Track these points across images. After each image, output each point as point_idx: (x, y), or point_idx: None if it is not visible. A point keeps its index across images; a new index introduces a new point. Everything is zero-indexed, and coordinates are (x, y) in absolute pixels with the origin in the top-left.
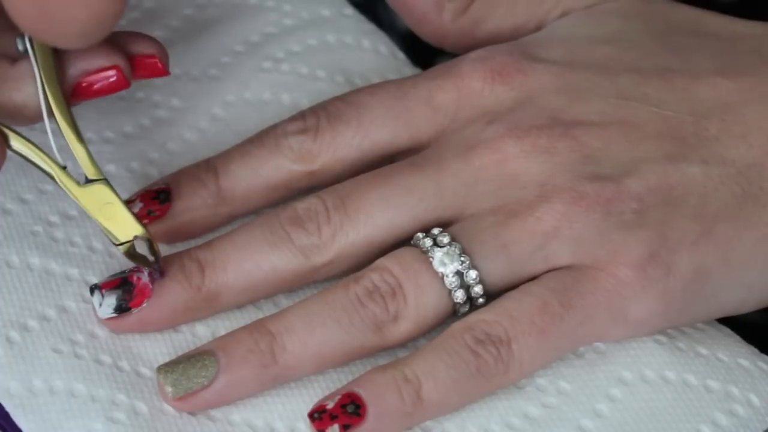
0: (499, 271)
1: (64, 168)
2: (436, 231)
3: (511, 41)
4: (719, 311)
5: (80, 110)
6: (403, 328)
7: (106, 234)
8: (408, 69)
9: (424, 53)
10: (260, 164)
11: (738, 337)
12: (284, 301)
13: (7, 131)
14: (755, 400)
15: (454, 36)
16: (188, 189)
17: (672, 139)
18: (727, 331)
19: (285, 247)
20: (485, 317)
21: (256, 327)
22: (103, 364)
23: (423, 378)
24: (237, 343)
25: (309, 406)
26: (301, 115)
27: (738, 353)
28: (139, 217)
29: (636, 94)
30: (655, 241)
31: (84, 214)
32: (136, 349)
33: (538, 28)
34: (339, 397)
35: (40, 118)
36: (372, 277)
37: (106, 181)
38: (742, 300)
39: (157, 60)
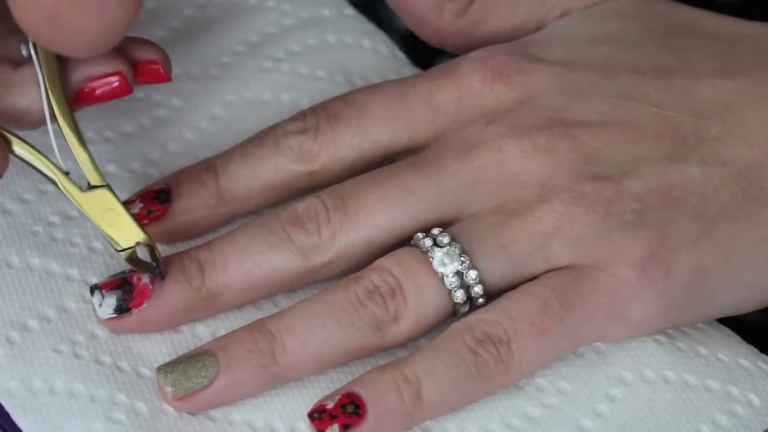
0: (499, 271)
1: (66, 174)
2: (436, 231)
3: (511, 41)
4: (719, 311)
5: (80, 110)
6: (403, 328)
7: (108, 240)
8: (408, 69)
9: (424, 53)
10: (260, 164)
11: (738, 337)
12: (284, 301)
13: (10, 136)
14: (755, 400)
15: (454, 36)
16: (188, 189)
17: (672, 139)
18: (727, 331)
19: (285, 247)
20: (485, 317)
21: (256, 327)
22: (103, 364)
23: (423, 378)
24: (237, 343)
25: (309, 406)
26: (301, 115)
27: (738, 353)
28: (141, 223)
29: (636, 94)
30: (655, 241)
31: (84, 215)
32: (136, 349)
33: (538, 28)
34: (339, 396)
35: (43, 123)
36: (372, 277)
37: (108, 187)
38: (742, 300)
39: (160, 66)
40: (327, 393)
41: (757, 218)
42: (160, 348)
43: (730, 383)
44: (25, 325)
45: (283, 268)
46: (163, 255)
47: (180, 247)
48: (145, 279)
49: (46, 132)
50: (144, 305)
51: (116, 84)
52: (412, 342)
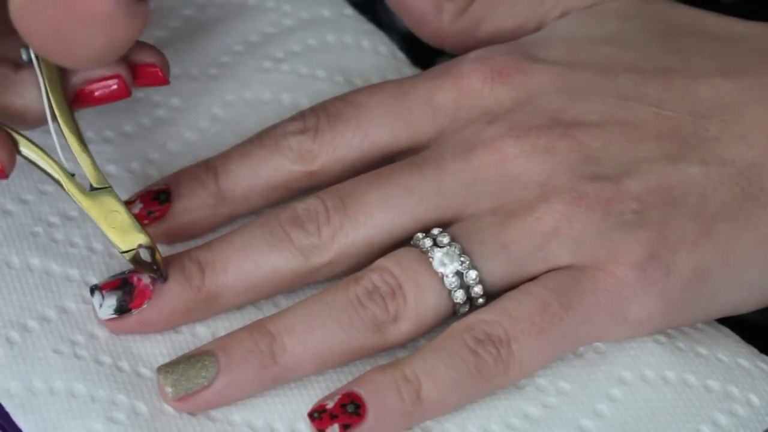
0: (498, 271)
1: (72, 176)
2: (435, 231)
3: (510, 41)
4: (719, 311)
5: (79, 111)
6: (403, 328)
7: (111, 242)
8: (408, 69)
9: (424, 53)
10: (260, 164)
11: (738, 337)
12: (284, 302)
13: (17, 136)
14: (755, 400)
15: (453, 37)
16: (188, 189)
17: (672, 140)
18: (727, 331)
19: (285, 248)
20: (485, 317)
21: (256, 327)
22: (103, 364)
23: (423, 378)
24: (237, 344)
25: (309, 406)
26: (301, 115)
27: (738, 353)
28: (143, 225)
29: (636, 95)
30: (655, 241)
31: (84, 216)
32: (136, 349)
33: (537, 29)
34: (339, 396)
35: (42, 124)
36: (372, 277)
37: (111, 189)
38: (741, 300)
39: (158, 69)
40: (327, 393)
41: (757, 218)
42: (160, 348)
43: (730, 383)
44: (25, 325)
45: (282, 268)
46: (163, 255)
47: (180, 248)
48: (146, 280)
49: (48, 134)
50: (144, 306)
51: (115, 87)
52: (412, 342)
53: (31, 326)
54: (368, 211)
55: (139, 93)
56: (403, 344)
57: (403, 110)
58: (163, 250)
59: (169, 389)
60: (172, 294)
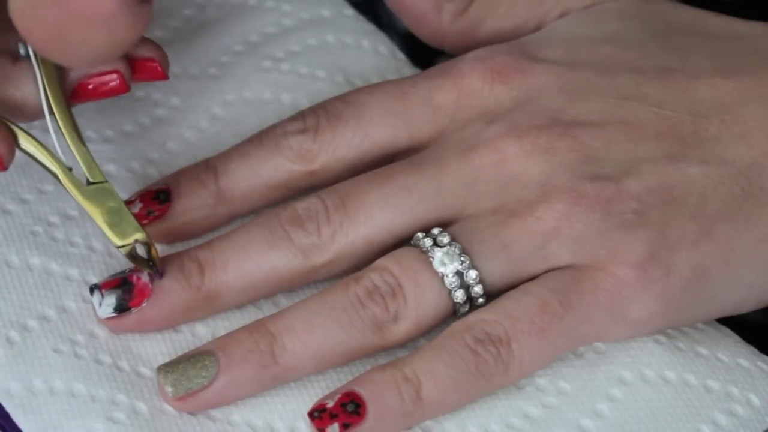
0: (499, 270)
1: (69, 170)
2: (436, 231)
3: (510, 41)
4: (719, 311)
5: (79, 109)
6: (403, 328)
7: (108, 236)
8: (408, 69)
9: (424, 53)
10: (260, 164)
11: (738, 337)
12: (284, 301)
13: (16, 130)
14: (755, 400)
15: (453, 37)
16: (188, 189)
17: (672, 139)
18: (727, 331)
19: (285, 247)
20: (485, 317)
21: (256, 327)
22: (103, 364)
23: (423, 377)
24: (237, 343)
25: (309, 406)
26: (301, 115)
27: (738, 353)
28: (142, 225)
29: (636, 94)
30: (655, 240)
31: (84, 215)
32: (136, 349)
33: (537, 29)
34: (339, 396)
35: (39, 117)
36: (372, 277)
37: (108, 183)
38: (741, 300)
39: (158, 64)
40: (327, 392)
41: (757, 218)
42: (160, 348)
43: (730, 383)
44: (25, 325)
45: (282, 267)
46: (162, 255)
47: (180, 247)
48: (145, 278)
49: (45, 130)
50: (144, 304)
51: (114, 82)
52: (412, 342)
53: (31, 326)
54: (368, 210)
55: (139, 92)
56: (403, 344)
57: (403, 110)
58: (163, 250)
59: (169, 389)
60: (172, 293)
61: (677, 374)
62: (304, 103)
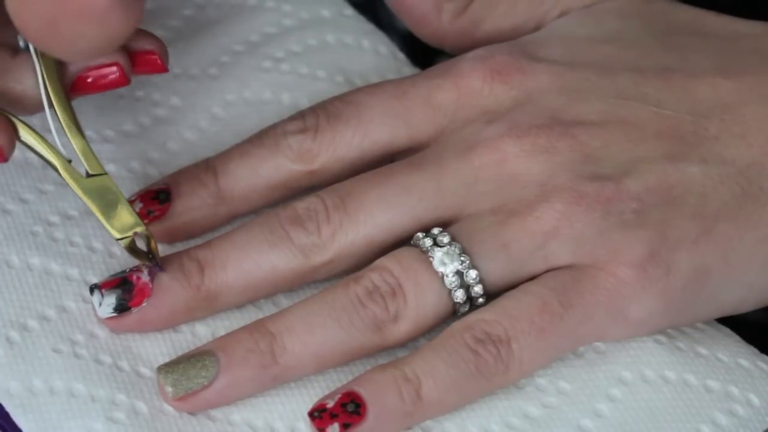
0: (498, 270)
1: (69, 162)
2: (435, 231)
3: (510, 41)
4: (719, 311)
5: (80, 108)
6: (403, 328)
7: (107, 228)
8: (408, 69)
9: (424, 53)
10: (260, 164)
11: (738, 337)
12: (284, 301)
13: (16, 122)
14: (755, 400)
15: (453, 37)
16: (188, 189)
17: (671, 139)
18: (727, 331)
19: (285, 247)
20: (485, 317)
21: (256, 327)
22: (103, 364)
23: (423, 377)
24: (237, 343)
25: (309, 406)
26: (301, 115)
27: (738, 353)
28: (139, 213)
29: (635, 94)
30: (655, 240)
31: (84, 214)
32: (136, 349)
33: (537, 28)
34: (339, 396)
35: (38, 110)
36: (372, 277)
37: (107, 176)
38: (741, 299)
39: (157, 57)
40: (327, 392)
41: (757, 218)
42: (160, 348)
43: (730, 383)
44: (25, 325)
45: (282, 267)
46: (163, 255)
47: (180, 247)
48: (145, 278)
49: (45, 121)
50: (144, 304)
51: (114, 75)
52: (412, 342)
53: (31, 326)
54: (368, 210)
55: (139, 92)
56: (403, 344)
57: (403, 110)
58: (163, 250)
59: (169, 389)
60: (172, 292)
61: (677, 374)
62: (304, 103)
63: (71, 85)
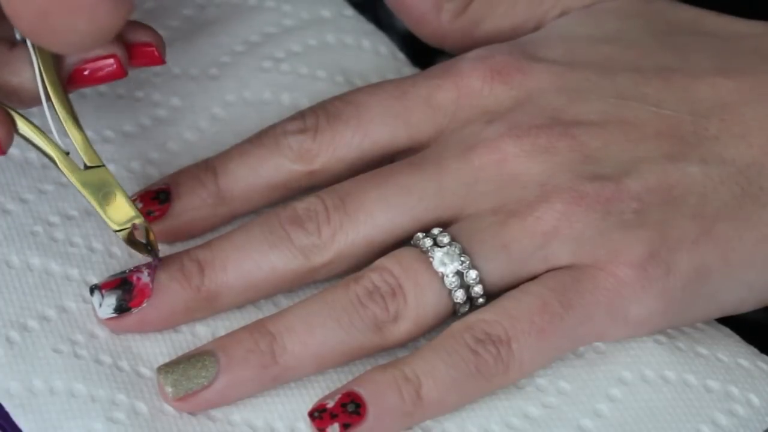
0: (499, 270)
1: (67, 154)
2: (436, 231)
3: (510, 41)
4: (719, 311)
5: (79, 108)
6: (403, 328)
7: (104, 220)
8: (408, 69)
9: (424, 53)
10: (260, 164)
11: (738, 337)
12: (284, 301)
13: (14, 114)
14: (755, 400)
15: (453, 36)
16: (188, 189)
17: (671, 139)
18: (727, 331)
19: (284, 247)
20: (485, 317)
21: (256, 327)
22: (103, 364)
23: (423, 377)
24: (237, 344)
25: (309, 406)
26: (301, 115)
27: (738, 353)
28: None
29: (635, 94)
30: (655, 240)
31: (84, 214)
32: (136, 349)
33: (537, 28)
34: (339, 396)
35: (36, 103)
36: (372, 277)
37: (104, 167)
38: (741, 299)
39: (154, 48)
40: (327, 393)
41: (757, 218)
42: (160, 348)
43: (730, 383)
44: (25, 325)
45: (282, 267)
46: (163, 255)
47: (180, 247)
48: (145, 279)
49: (43, 114)
50: (144, 305)
51: (110, 67)
52: (412, 342)
53: (31, 326)
54: (368, 210)
55: (139, 92)
56: (403, 344)
57: (403, 110)
58: (163, 250)
59: (169, 389)
60: (172, 293)
61: (677, 374)
62: (304, 103)
63: (68, 78)
